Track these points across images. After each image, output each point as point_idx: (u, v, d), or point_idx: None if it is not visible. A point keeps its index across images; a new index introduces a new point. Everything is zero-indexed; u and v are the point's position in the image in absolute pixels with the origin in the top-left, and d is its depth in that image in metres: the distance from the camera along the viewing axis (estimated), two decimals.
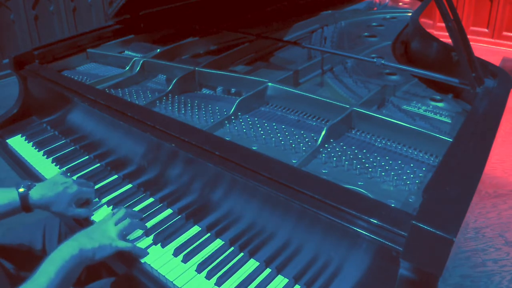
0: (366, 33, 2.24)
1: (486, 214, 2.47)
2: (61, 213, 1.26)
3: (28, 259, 1.35)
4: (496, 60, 4.26)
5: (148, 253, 1.16)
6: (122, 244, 1.11)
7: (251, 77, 1.60)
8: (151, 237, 1.20)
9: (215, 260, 1.12)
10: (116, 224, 1.15)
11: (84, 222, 1.29)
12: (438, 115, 1.42)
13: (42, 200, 1.22)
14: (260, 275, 1.08)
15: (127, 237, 1.19)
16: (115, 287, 1.26)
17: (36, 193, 1.22)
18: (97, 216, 1.31)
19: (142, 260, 1.14)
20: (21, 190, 1.21)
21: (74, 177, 1.46)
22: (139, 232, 1.21)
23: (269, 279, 1.07)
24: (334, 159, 1.20)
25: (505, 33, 4.70)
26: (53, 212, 1.26)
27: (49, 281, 0.93)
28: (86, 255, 1.03)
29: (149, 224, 1.25)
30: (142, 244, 1.18)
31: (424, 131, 1.22)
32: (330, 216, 0.92)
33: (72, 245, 1.03)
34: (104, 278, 1.38)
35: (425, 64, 1.69)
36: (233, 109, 1.44)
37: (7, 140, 1.76)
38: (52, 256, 1.00)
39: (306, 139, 1.29)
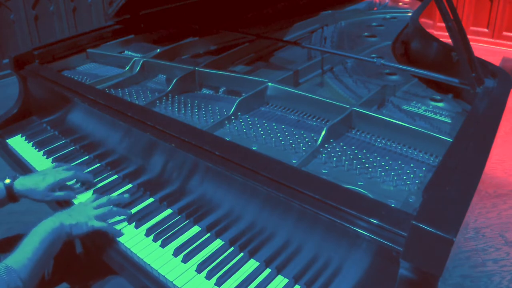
0: (366, 33, 2.24)
1: (486, 214, 2.47)
2: (41, 200, 1.34)
3: None
4: (496, 60, 4.26)
5: (123, 234, 1.22)
6: (97, 224, 1.20)
7: (251, 77, 1.60)
8: (152, 236, 1.20)
9: (215, 260, 1.12)
10: (96, 208, 1.23)
11: (66, 205, 1.37)
12: (438, 115, 1.42)
13: (24, 188, 1.31)
14: (260, 275, 1.08)
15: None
16: (115, 287, 1.26)
17: (19, 183, 1.32)
18: (78, 200, 1.38)
19: (143, 260, 1.14)
20: (7, 181, 1.31)
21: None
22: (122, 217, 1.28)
23: (269, 279, 1.07)
24: (334, 159, 1.19)
25: (505, 33, 4.69)
26: (34, 199, 1.34)
27: (34, 250, 1.05)
28: (65, 230, 1.15)
29: (149, 224, 1.25)
30: (143, 243, 1.19)
31: (424, 131, 1.22)
32: (330, 216, 0.92)
33: (54, 220, 1.15)
34: (104, 278, 1.38)
35: (425, 64, 1.69)
36: (233, 109, 1.43)
37: (7, 140, 1.76)
38: (36, 229, 1.11)
39: (306, 139, 1.29)
